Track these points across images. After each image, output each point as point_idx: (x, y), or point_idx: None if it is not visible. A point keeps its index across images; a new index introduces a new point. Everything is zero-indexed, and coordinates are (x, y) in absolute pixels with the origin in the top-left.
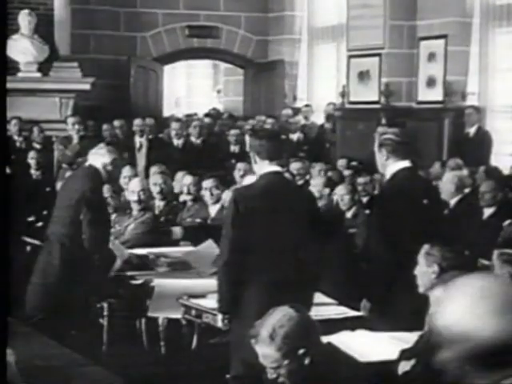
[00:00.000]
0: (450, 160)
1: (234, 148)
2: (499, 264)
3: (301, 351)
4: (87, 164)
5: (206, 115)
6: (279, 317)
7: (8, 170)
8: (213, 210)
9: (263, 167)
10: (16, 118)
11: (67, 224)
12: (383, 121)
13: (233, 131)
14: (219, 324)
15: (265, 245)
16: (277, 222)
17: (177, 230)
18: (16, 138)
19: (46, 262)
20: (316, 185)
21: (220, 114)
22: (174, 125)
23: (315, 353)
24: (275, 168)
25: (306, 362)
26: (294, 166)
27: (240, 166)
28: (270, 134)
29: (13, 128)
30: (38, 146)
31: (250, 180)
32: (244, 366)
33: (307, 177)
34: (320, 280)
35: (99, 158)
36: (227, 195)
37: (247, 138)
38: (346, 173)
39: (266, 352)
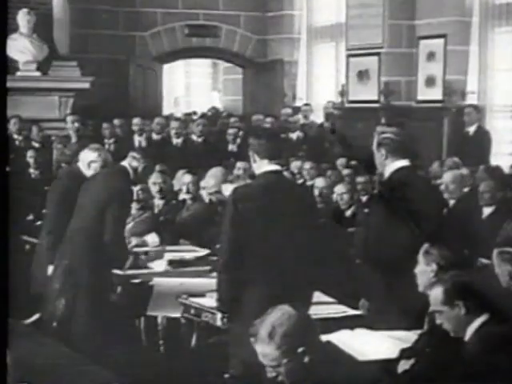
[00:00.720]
0: (448, 159)
1: (231, 147)
2: (498, 263)
3: (300, 350)
4: (118, 164)
5: (203, 115)
6: (278, 315)
7: (7, 169)
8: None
9: (262, 166)
10: (16, 116)
11: (95, 220)
12: (383, 120)
13: (231, 130)
14: (218, 323)
15: (264, 244)
16: (276, 221)
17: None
18: (16, 136)
19: (71, 262)
20: (319, 186)
21: (219, 113)
22: (174, 124)
23: (314, 351)
24: (274, 167)
25: (306, 360)
26: (295, 165)
27: (240, 164)
28: (269, 133)
29: (12, 127)
30: (36, 145)
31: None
32: (243, 365)
33: (306, 175)
34: (319, 279)
35: (132, 161)
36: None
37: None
38: (345, 172)
39: (266, 351)
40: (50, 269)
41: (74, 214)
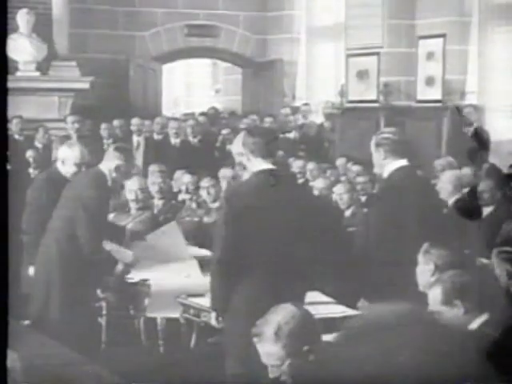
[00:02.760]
0: (442, 159)
1: (229, 147)
2: (498, 262)
3: (305, 348)
4: (95, 168)
5: (202, 114)
6: (283, 314)
7: (8, 169)
8: (211, 208)
9: (257, 165)
10: (18, 117)
11: (64, 222)
12: (382, 121)
13: (224, 131)
14: (213, 322)
15: (258, 242)
16: (270, 220)
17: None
18: (17, 137)
19: (46, 257)
20: (318, 186)
21: (218, 113)
22: (173, 124)
23: (317, 350)
24: (269, 166)
25: (310, 358)
26: (296, 165)
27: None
28: (263, 131)
29: (15, 127)
30: (39, 145)
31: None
32: (240, 364)
33: (307, 174)
34: (312, 279)
35: (105, 162)
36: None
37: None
38: (345, 171)
39: (271, 350)
40: (31, 270)
41: (53, 213)
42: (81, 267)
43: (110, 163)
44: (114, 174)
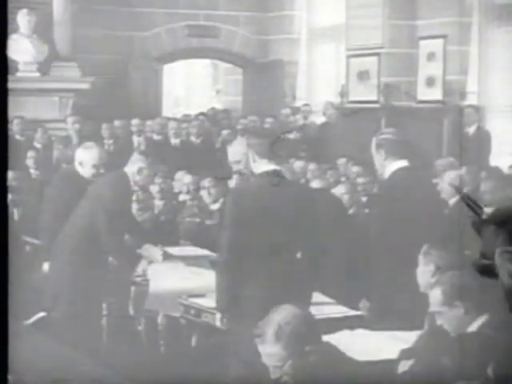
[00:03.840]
0: (442, 159)
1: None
2: (500, 262)
3: (307, 348)
4: (120, 170)
5: (202, 114)
6: (284, 314)
7: (8, 169)
8: (211, 209)
9: (262, 166)
10: (19, 117)
11: (82, 222)
12: (383, 122)
13: (225, 131)
14: (218, 323)
15: (263, 243)
16: (275, 221)
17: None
18: (18, 137)
19: (58, 253)
20: (317, 187)
21: (219, 114)
22: (172, 124)
23: (318, 351)
24: (274, 167)
25: (312, 359)
26: (297, 165)
27: None
28: (269, 132)
29: (15, 127)
30: (38, 146)
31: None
32: (243, 365)
33: (308, 175)
34: (318, 279)
35: (130, 165)
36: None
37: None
38: (346, 172)
39: (272, 350)
40: (45, 266)
41: (72, 213)
42: (92, 266)
43: (133, 166)
44: (137, 177)
